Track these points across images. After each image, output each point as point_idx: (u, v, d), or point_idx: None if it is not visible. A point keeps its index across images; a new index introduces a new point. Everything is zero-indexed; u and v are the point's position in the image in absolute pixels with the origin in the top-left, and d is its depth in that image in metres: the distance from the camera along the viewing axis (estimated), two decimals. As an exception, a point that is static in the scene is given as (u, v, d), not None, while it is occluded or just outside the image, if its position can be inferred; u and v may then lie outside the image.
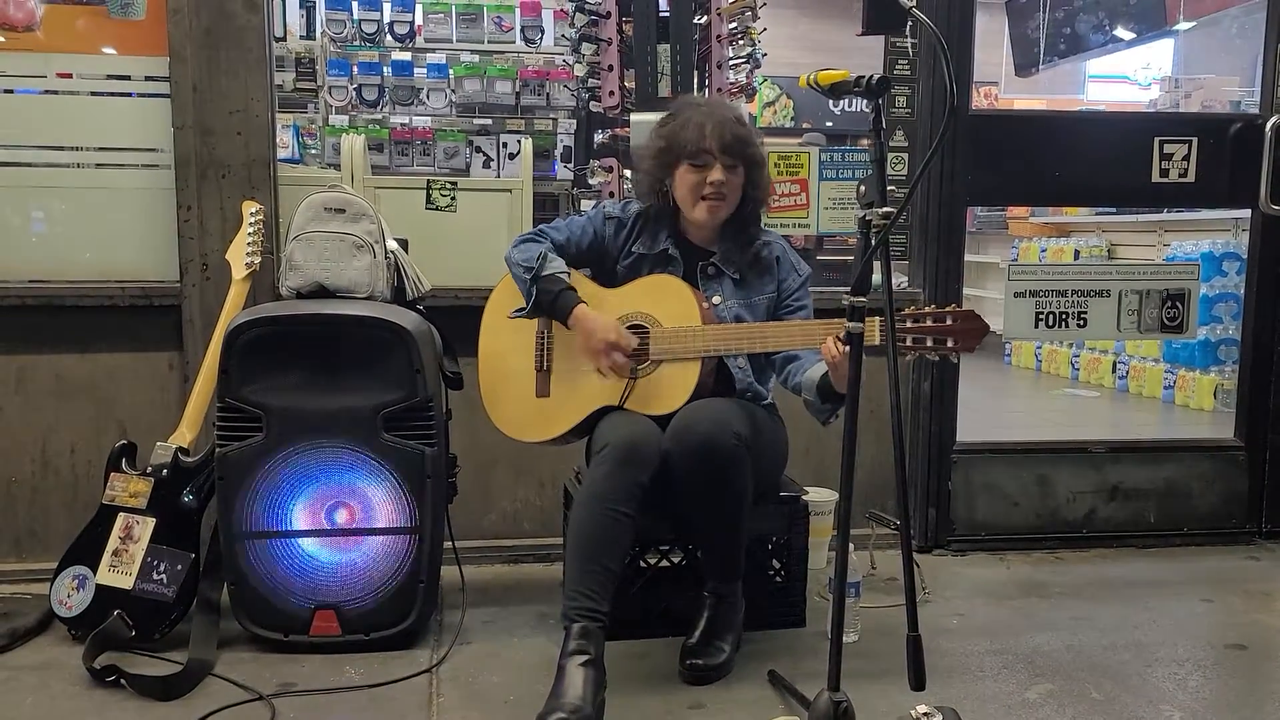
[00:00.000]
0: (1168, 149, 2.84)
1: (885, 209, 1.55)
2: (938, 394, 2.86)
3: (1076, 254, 6.10)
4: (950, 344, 1.84)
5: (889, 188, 1.59)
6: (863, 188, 1.60)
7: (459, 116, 4.84)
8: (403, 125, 4.75)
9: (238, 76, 2.51)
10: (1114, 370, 5.66)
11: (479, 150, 4.63)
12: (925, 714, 1.37)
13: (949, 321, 1.85)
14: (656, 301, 2.12)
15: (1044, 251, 6.35)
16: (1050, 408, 5.48)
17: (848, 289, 1.61)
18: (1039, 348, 6.45)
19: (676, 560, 2.30)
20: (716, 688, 1.99)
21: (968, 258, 2.92)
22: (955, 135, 2.74)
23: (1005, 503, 2.91)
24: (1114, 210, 5.95)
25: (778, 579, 2.30)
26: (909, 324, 1.86)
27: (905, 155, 2.81)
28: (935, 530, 2.88)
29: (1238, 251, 4.74)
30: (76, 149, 2.58)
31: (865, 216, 1.58)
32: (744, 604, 2.16)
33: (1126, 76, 9.14)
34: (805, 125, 7.96)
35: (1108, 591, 2.58)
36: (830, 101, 8.80)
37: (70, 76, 2.56)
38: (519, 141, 4.44)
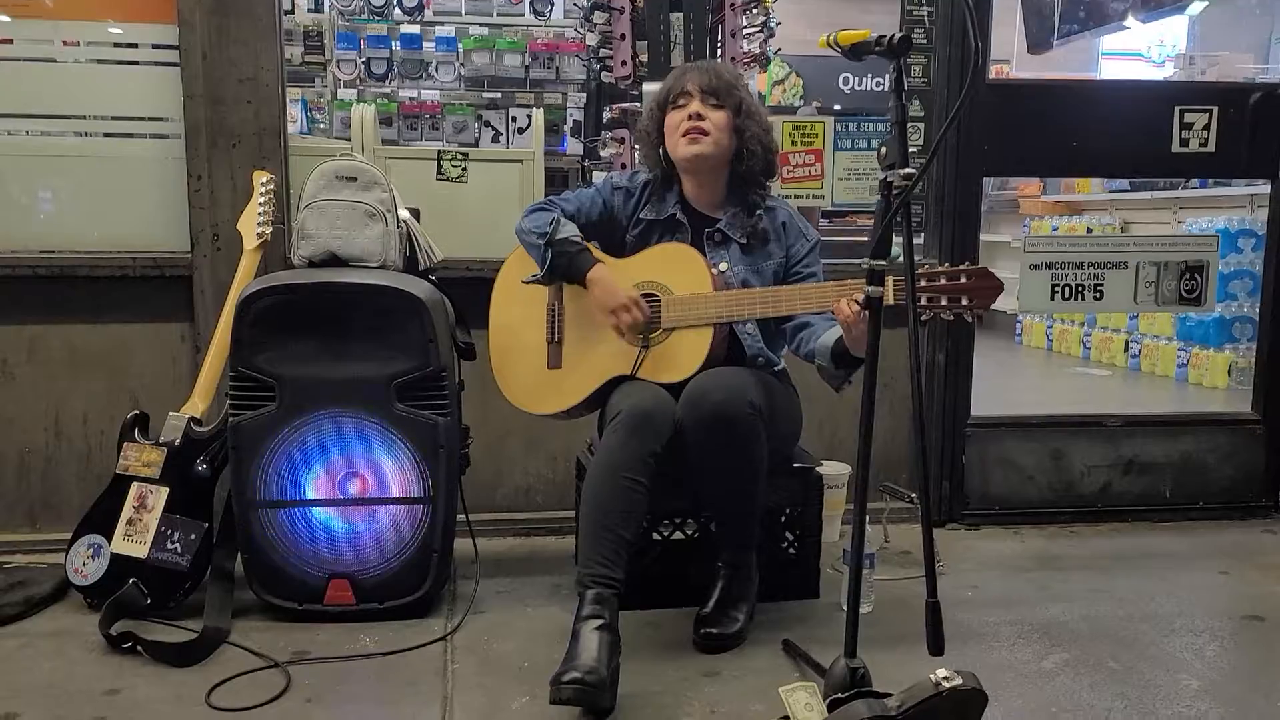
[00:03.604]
0: (1188, 118, 2.80)
1: (907, 170, 1.53)
2: (952, 366, 2.84)
3: (1089, 231, 6.05)
4: (965, 302, 1.82)
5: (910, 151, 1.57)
6: (884, 149, 1.57)
7: (468, 90, 4.82)
8: (411, 99, 4.73)
9: (248, 45, 2.49)
10: (1126, 349, 5.62)
11: (488, 124, 4.61)
12: (945, 677, 1.36)
13: (963, 279, 1.82)
14: (667, 270, 2.10)
15: (1056, 229, 6.30)
16: (1062, 385, 5.44)
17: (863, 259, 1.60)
18: (1050, 327, 6.41)
19: (691, 532, 2.29)
20: (731, 656, 1.99)
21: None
22: (972, 105, 2.71)
23: (1019, 476, 2.89)
24: (1128, 186, 5.88)
25: (791, 551, 2.29)
26: (924, 283, 1.83)
27: (921, 126, 2.78)
28: (949, 504, 2.87)
29: (1253, 228, 4.70)
30: (84, 118, 2.57)
31: (886, 178, 1.56)
32: (759, 575, 2.15)
33: (1141, 54, 9.04)
34: (816, 103, 7.88)
35: (1123, 564, 2.57)
36: (840, 79, 8.72)
37: (77, 44, 2.54)
38: (528, 115, 4.42)
